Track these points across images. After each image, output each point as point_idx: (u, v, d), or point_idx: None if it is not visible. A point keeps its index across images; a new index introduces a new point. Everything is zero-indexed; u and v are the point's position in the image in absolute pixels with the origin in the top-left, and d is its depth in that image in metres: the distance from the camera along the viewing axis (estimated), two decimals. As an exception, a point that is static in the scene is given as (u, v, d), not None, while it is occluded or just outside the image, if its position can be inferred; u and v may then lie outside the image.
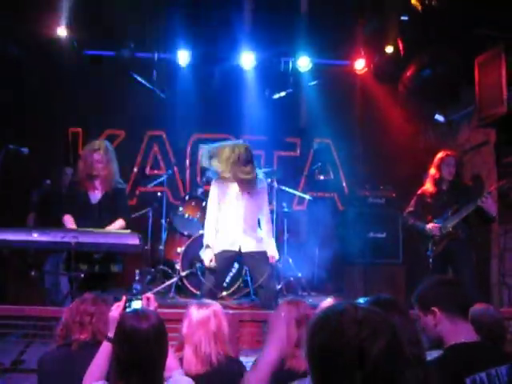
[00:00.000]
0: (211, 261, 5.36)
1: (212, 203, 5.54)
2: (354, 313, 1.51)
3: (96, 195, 5.35)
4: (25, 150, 5.46)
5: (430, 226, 6.01)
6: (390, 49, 7.27)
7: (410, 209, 6.26)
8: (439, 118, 7.91)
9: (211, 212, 5.53)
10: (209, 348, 3.10)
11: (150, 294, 2.88)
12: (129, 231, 5.07)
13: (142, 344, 2.38)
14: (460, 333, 2.63)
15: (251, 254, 5.44)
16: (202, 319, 3.17)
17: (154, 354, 2.41)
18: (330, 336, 1.49)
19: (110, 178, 5.37)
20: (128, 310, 2.72)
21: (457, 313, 2.67)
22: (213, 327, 3.16)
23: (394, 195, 8.13)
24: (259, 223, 5.60)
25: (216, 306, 3.31)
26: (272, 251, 5.56)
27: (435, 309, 2.66)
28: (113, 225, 5.26)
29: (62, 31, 7.14)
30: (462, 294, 2.79)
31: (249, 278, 6.77)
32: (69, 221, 5.23)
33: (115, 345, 2.49)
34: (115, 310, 2.74)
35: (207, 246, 5.43)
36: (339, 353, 1.45)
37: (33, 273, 5.17)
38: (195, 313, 3.20)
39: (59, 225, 5.24)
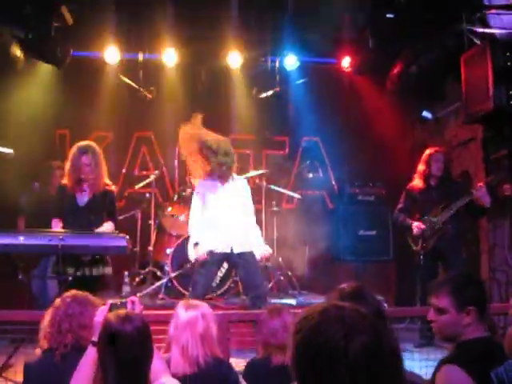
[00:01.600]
0: (204, 254, 5.37)
1: (197, 202, 5.56)
2: (335, 311, 1.51)
3: (84, 198, 5.32)
4: (9, 151, 5.42)
5: (415, 225, 6.02)
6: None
7: (400, 205, 6.29)
8: (427, 114, 7.93)
9: (196, 210, 5.55)
10: (196, 350, 3.09)
11: (134, 298, 2.85)
12: (116, 233, 5.05)
13: (126, 347, 2.36)
14: (479, 332, 2.61)
15: (241, 255, 5.46)
16: (189, 320, 3.15)
17: (138, 356, 2.40)
18: (311, 335, 1.49)
19: (99, 180, 5.34)
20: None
21: (484, 315, 2.64)
22: (200, 329, 3.14)
23: (383, 192, 8.15)
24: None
25: (204, 307, 3.29)
26: (265, 248, 5.63)
27: (472, 308, 2.59)
28: (101, 227, 5.24)
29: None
30: (488, 296, 2.76)
31: (238, 278, 6.76)
32: (57, 224, 5.21)
33: (99, 348, 2.47)
34: (99, 315, 2.71)
35: (196, 244, 5.43)
36: (319, 351, 1.46)
37: (20, 277, 5.13)
38: (183, 314, 3.18)
39: (50, 228, 5.22)
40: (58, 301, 3.10)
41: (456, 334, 2.63)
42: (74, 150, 5.34)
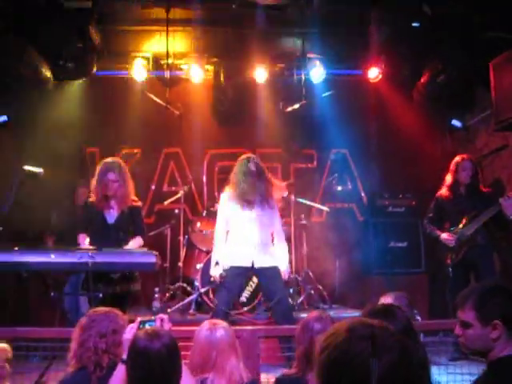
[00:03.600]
0: (221, 276, 5.33)
1: (221, 218, 5.53)
2: (363, 329, 1.47)
3: (112, 215, 5.35)
4: (39, 170, 5.49)
5: (444, 236, 5.92)
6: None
7: (430, 214, 6.20)
8: (456, 123, 7.83)
9: (220, 227, 5.52)
10: (240, 372, 3.01)
11: (163, 315, 2.83)
12: (145, 249, 5.06)
13: (154, 363, 2.35)
14: (510, 348, 2.47)
15: (264, 270, 5.39)
16: (230, 343, 3.05)
17: (167, 373, 2.39)
18: (337, 353, 1.46)
19: (126, 197, 5.36)
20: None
21: None
22: (239, 348, 3.08)
23: (413, 203, 8.04)
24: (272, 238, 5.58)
25: (225, 323, 3.23)
26: (284, 267, 5.50)
27: (498, 322, 2.45)
28: (130, 243, 5.26)
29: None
30: None
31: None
32: (83, 239, 5.22)
33: (128, 365, 2.46)
34: (129, 332, 2.71)
35: (217, 263, 5.40)
36: (346, 369, 1.42)
37: (52, 294, 5.17)
38: (221, 334, 3.05)
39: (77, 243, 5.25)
40: (85, 320, 3.07)
41: (484, 348, 2.50)
42: (100, 167, 5.38)
